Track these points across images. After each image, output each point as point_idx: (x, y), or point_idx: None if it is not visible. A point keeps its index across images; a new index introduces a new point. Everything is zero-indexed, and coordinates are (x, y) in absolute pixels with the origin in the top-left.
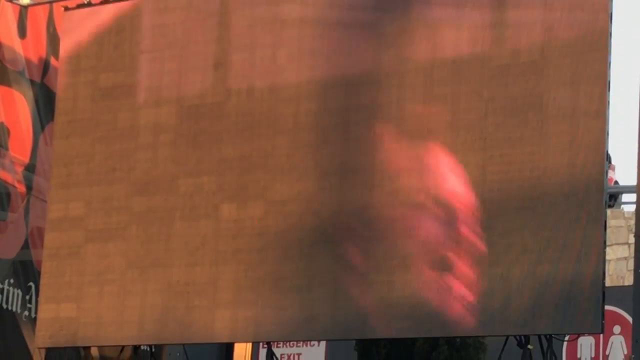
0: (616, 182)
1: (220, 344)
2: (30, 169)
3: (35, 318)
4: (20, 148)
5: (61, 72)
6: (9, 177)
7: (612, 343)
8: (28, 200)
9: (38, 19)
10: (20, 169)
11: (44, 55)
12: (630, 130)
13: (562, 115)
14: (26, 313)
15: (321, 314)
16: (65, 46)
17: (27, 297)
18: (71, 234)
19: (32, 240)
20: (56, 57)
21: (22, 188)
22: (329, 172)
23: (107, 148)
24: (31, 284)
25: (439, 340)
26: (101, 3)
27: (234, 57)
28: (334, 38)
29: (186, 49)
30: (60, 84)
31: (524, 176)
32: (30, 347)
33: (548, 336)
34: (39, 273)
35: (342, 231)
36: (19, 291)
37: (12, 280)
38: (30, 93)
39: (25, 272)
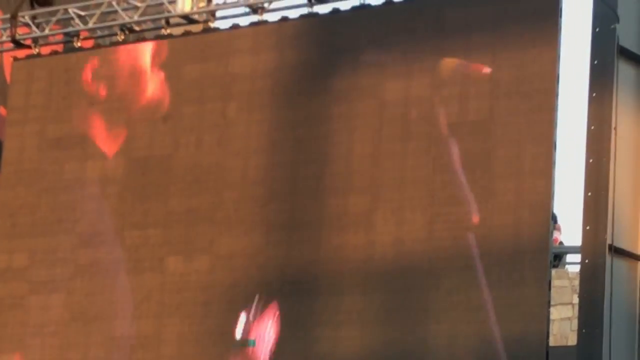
0: (561, 243)
1: None
2: None
3: None
4: None
5: (8, 121)
6: None
7: None
8: None
9: None
10: None
11: None
12: (576, 191)
13: (509, 174)
14: None
15: None
16: (13, 96)
17: None
18: (14, 285)
19: None
20: (5, 106)
21: None
22: (276, 227)
23: (53, 199)
24: None
25: None
26: (50, 54)
27: (183, 110)
28: (284, 93)
29: (135, 102)
30: (7, 133)
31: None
32: None
33: None
34: None
35: (289, 286)
36: None
37: None
38: None
39: None
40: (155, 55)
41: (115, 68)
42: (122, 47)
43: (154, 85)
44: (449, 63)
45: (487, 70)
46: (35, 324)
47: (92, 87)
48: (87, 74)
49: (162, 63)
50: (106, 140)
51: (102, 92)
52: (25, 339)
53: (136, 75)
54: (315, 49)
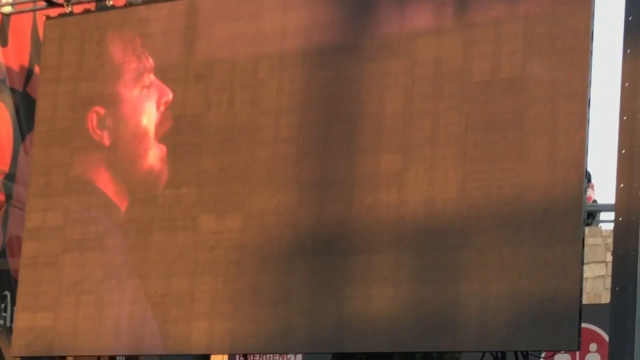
0: (595, 201)
1: (197, 356)
2: (9, 177)
3: (10, 327)
4: None
5: (41, 80)
6: None
7: None
8: (7, 209)
9: (22, 27)
10: None
11: (26, 63)
12: (610, 149)
13: (542, 132)
14: (1, 322)
15: (298, 327)
16: (46, 55)
17: (2, 306)
18: (49, 244)
19: (10, 248)
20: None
21: (1, 197)
22: (308, 185)
23: (86, 158)
24: (6, 292)
25: (416, 355)
26: (83, 13)
27: (215, 69)
28: (315, 52)
29: (167, 61)
30: (41, 92)
31: (502, 193)
32: (6, 355)
33: (524, 352)
34: (16, 282)
35: (320, 245)
36: None
37: None
38: (10, 102)
39: (1, 281)
40: (187, 15)
41: (148, 27)
42: (154, 6)
43: (186, 45)
44: None
45: (520, 27)
46: (69, 282)
47: (125, 46)
48: (120, 33)
49: (194, 23)
50: (138, 99)
51: (134, 51)
52: (59, 297)
53: (169, 34)
54: (346, 7)
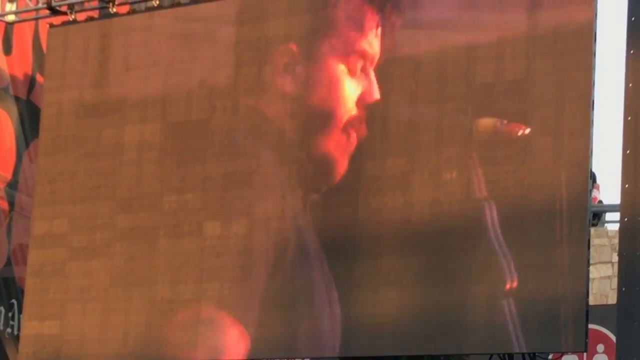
0: (600, 202)
1: None
2: (12, 185)
3: (18, 335)
4: (2, 165)
5: (46, 88)
6: None
7: None
8: (10, 217)
9: (24, 35)
10: (1, 186)
11: (29, 71)
12: (615, 149)
13: (546, 133)
14: (9, 330)
15: (305, 332)
16: (50, 63)
17: (10, 314)
18: (55, 251)
19: (15, 257)
20: (42, 73)
21: (4, 205)
22: (313, 190)
23: (92, 165)
24: (13, 301)
25: (423, 358)
26: (86, 20)
27: (219, 74)
28: (319, 55)
29: (171, 66)
30: (45, 100)
31: (507, 194)
32: None
33: (532, 354)
34: (22, 290)
35: (327, 249)
36: (2, 308)
37: None
38: (14, 110)
39: (8, 289)
40: (191, 21)
41: (151, 33)
42: (158, 13)
43: (190, 50)
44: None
45: (523, 29)
46: (75, 289)
47: (129, 53)
48: (123, 39)
49: (197, 28)
50: (143, 105)
51: (139, 57)
52: (66, 305)
53: (172, 40)
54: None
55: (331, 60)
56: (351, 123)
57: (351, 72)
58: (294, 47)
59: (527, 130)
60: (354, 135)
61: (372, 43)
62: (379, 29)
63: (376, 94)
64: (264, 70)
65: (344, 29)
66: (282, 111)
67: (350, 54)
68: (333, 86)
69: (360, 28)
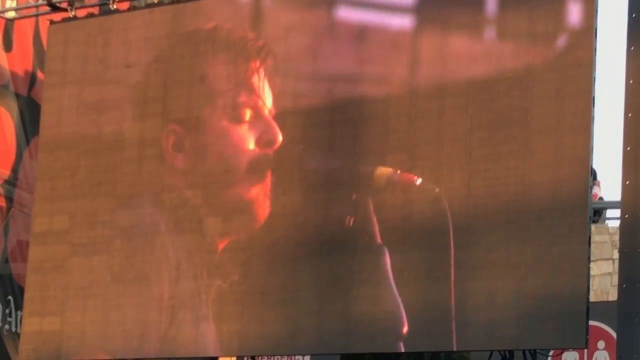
0: (601, 198)
1: (205, 358)
2: (11, 182)
3: (16, 332)
4: (1, 161)
5: (46, 85)
6: None
7: (596, 358)
8: (8, 214)
9: (24, 32)
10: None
11: (30, 68)
12: (616, 146)
13: (547, 130)
14: (7, 327)
15: (305, 329)
16: (50, 59)
17: (7, 311)
18: (55, 248)
19: (12, 254)
20: (42, 70)
21: (2, 202)
22: (314, 186)
23: (92, 161)
24: (10, 297)
25: (424, 354)
26: (87, 17)
27: (219, 71)
28: (318, 52)
29: (171, 63)
30: (46, 97)
31: (508, 191)
32: None
33: (532, 351)
34: (19, 287)
35: (327, 245)
36: None
37: None
38: (15, 107)
39: (4, 286)
40: (191, 16)
41: (151, 30)
42: (158, 9)
43: (190, 47)
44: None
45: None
46: (76, 286)
47: (129, 49)
48: (124, 36)
49: (197, 24)
50: (143, 102)
51: (139, 54)
52: (66, 301)
53: (173, 37)
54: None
55: (217, 120)
56: (257, 163)
57: (241, 120)
58: (176, 127)
59: (419, 181)
60: (266, 173)
61: (255, 89)
62: (256, 76)
63: (277, 132)
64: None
65: (222, 89)
66: None
67: (236, 106)
68: (224, 137)
69: (238, 82)
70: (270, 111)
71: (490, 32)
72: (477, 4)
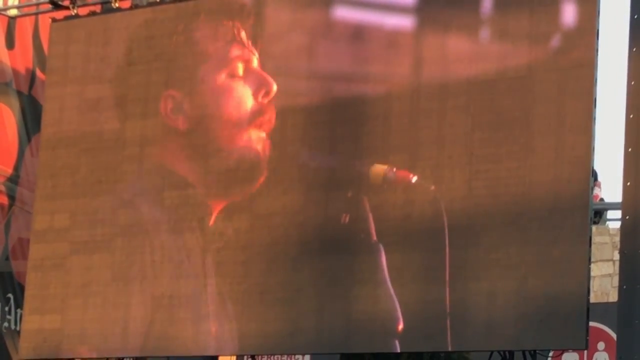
0: (602, 199)
1: (205, 357)
2: (13, 180)
3: (15, 329)
4: (4, 159)
5: (48, 83)
6: None
7: (596, 359)
8: (9, 212)
9: (25, 30)
10: (1, 180)
11: (30, 66)
12: (617, 147)
13: (548, 131)
14: (6, 324)
15: (305, 328)
16: (52, 58)
17: (7, 309)
18: (56, 246)
19: (13, 251)
20: (42, 68)
21: (4, 199)
22: (315, 186)
23: (93, 160)
24: (10, 295)
25: (423, 354)
26: (88, 15)
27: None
28: (321, 52)
29: (173, 62)
30: (47, 95)
31: (509, 191)
32: (13, 358)
33: (532, 352)
34: (19, 284)
35: (327, 245)
36: None
37: None
38: (17, 104)
39: (4, 284)
40: (192, 15)
41: (153, 28)
42: (159, 7)
43: (191, 46)
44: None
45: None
46: (77, 284)
47: (130, 48)
48: (125, 34)
49: (199, 23)
50: (144, 100)
51: (140, 52)
52: (67, 299)
53: (174, 35)
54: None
55: (211, 78)
56: (258, 114)
57: (235, 75)
58: (173, 92)
59: (414, 179)
60: (265, 126)
61: (242, 44)
62: (243, 32)
63: (271, 81)
64: (265, 67)
65: (210, 48)
66: None
67: (228, 62)
68: (222, 94)
69: (225, 37)
70: (259, 64)
71: (491, 33)
72: (478, 4)
